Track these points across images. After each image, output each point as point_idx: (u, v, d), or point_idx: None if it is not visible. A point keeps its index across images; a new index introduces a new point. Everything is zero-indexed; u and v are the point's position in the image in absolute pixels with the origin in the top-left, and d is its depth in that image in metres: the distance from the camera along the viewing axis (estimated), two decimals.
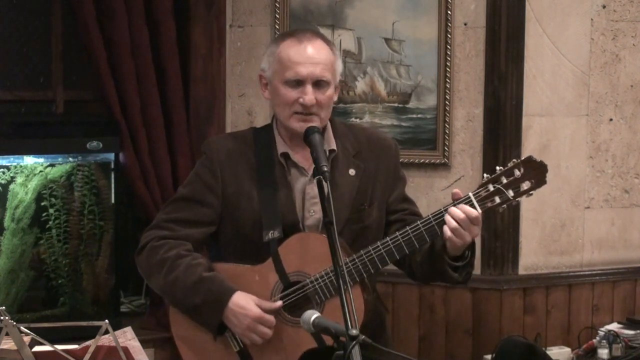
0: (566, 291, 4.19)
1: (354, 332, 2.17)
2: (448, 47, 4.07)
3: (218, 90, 4.39)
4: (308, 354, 2.82)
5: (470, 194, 2.75)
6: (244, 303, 2.80)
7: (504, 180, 2.73)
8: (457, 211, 2.71)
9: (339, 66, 2.95)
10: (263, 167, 2.93)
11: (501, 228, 4.08)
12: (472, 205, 2.73)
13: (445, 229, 2.72)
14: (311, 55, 2.86)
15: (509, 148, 4.04)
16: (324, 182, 2.59)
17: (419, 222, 2.78)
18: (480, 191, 2.74)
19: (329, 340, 2.69)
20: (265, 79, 2.95)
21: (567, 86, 4.14)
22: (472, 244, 2.81)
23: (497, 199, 2.73)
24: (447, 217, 2.72)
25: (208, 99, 4.38)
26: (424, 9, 4.10)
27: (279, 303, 2.83)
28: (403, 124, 4.16)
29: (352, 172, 2.94)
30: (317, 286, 2.81)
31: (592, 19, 4.14)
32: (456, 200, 2.75)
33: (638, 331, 4.06)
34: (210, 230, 2.97)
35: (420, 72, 4.13)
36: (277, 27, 4.25)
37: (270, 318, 2.80)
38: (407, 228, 2.79)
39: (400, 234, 2.79)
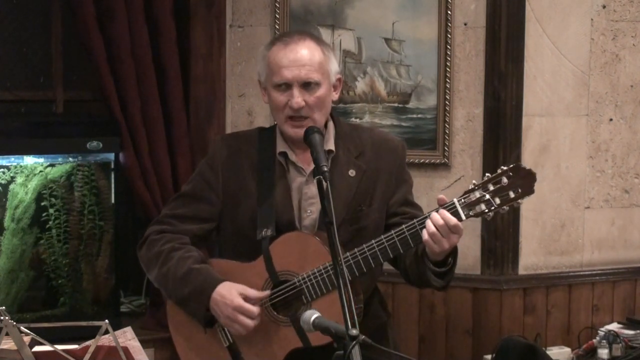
0: (566, 291, 4.19)
1: (354, 332, 2.17)
2: (448, 47, 4.06)
3: (218, 90, 4.39)
4: (294, 353, 2.83)
5: (455, 200, 2.71)
6: (226, 292, 2.81)
7: (491, 188, 2.68)
8: (437, 217, 2.69)
9: (333, 64, 2.93)
10: (263, 166, 2.95)
11: (501, 228, 4.07)
12: (456, 212, 2.70)
13: (424, 232, 2.70)
14: (296, 58, 2.86)
15: (509, 148, 4.04)
16: (324, 182, 2.58)
17: (403, 227, 2.77)
18: (465, 198, 2.70)
19: (314, 341, 2.72)
20: (261, 84, 2.97)
21: (567, 86, 4.14)
22: (454, 251, 2.80)
23: (483, 206, 2.69)
24: (427, 222, 2.70)
25: (208, 99, 4.38)
26: (424, 9, 4.09)
27: (266, 292, 2.82)
28: (403, 124, 4.15)
29: (352, 172, 2.93)
30: (304, 286, 2.81)
31: (592, 19, 4.14)
32: (441, 206, 2.73)
33: (638, 331, 4.06)
34: (209, 226, 3.00)
35: (420, 72, 4.12)
36: (277, 27, 4.24)
37: (251, 308, 2.78)
38: (392, 232, 2.78)
39: (385, 238, 2.78)
